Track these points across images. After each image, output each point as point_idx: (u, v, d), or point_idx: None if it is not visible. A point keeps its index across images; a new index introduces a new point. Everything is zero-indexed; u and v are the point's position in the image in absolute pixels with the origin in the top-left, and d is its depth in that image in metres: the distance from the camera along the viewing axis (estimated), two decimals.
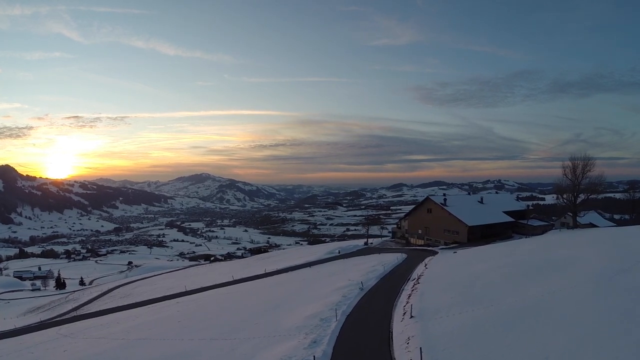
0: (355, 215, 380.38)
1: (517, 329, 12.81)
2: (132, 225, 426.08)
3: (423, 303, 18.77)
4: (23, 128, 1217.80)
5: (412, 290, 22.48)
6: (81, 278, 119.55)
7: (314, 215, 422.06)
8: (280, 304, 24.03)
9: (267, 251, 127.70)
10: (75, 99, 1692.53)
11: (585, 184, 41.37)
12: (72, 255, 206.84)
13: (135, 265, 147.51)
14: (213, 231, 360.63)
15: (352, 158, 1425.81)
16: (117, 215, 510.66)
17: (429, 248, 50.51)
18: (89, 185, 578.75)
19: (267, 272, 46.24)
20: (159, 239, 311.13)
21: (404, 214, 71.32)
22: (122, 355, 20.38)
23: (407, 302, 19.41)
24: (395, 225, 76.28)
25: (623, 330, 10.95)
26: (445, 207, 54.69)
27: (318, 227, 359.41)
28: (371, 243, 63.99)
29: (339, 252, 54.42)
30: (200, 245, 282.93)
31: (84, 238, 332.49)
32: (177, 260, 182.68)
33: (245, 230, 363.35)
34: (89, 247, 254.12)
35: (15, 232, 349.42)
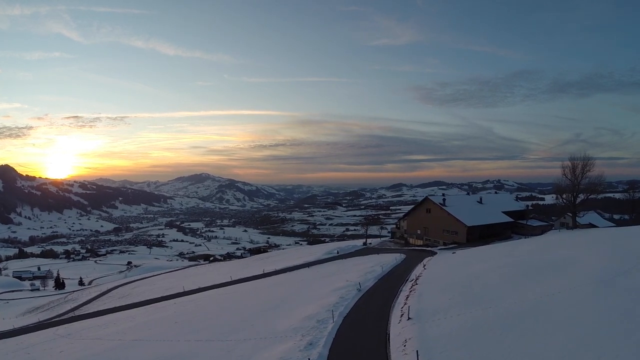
0: (354, 216, 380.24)
1: (516, 330, 12.68)
2: (131, 225, 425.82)
3: (421, 304, 18.61)
4: (23, 128, 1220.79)
5: (410, 292, 22.34)
6: (80, 278, 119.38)
7: (313, 215, 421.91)
8: (277, 305, 23.89)
9: (267, 251, 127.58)
10: (75, 99, 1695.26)
11: (584, 184, 41.30)
12: (72, 256, 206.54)
13: (135, 266, 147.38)
14: (212, 231, 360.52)
15: (352, 158, 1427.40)
16: (116, 215, 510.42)
17: (427, 248, 50.36)
18: (88, 185, 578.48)
19: (265, 272, 46.09)
20: (159, 239, 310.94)
21: (403, 214, 71.13)
22: (117, 356, 20.24)
23: (405, 304, 19.27)
24: (394, 226, 76.13)
25: (623, 331, 10.83)
26: (444, 207, 54.55)
27: (318, 227, 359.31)
28: (370, 243, 63.83)
29: (338, 253, 54.27)
30: (200, 245, 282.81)
31: (83, 238, 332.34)
32: (177, 260, 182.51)
33: (245, 231, 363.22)
34: (89, 247, 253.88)
35: (14, 232, 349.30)
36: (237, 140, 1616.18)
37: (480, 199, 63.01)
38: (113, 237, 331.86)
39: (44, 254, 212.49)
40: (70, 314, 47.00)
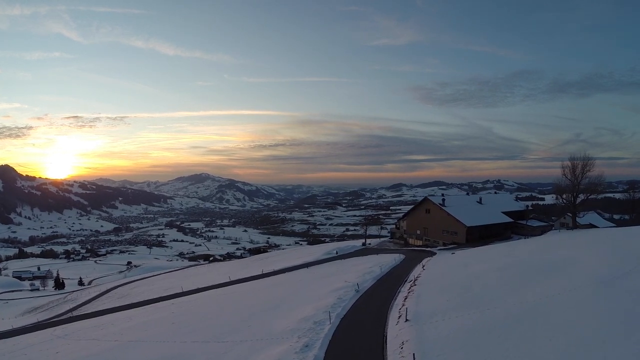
0: (354, 216, 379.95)
1: (515, 333, 12.53)
2: (131, 225, 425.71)
3: (419, 306, 18.46)
4: (22, 128, 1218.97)
5: (409, 293, 22.18)
6: (80, 278, 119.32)
7: (313, 216, 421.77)
8: (274, 306, 23.75)
9: (267, 251, 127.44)
10: (74, 99, 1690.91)
11: (584, 184, 41.18)
12: (72, 256, 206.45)
13: (135, 266, 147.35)
14: (212, 231, 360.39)
15: (352, 158, 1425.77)
16: (116, 215, 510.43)
17: (427, 249, 50.21)
18: (88, 185, 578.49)
19: (264, 272, 45.93)
20: (159, 239, 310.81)
21: (403, 214, 70.98)
22: (114, 357, 20.15)
23: (403, 305, 19.11)
24: (394, 226, 75.99)
25: (624, 334, 10.68)
26: (443, 208, 54.40)
27: (317, 227, 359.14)
28: (369, 244, 63.64)
29: (337, 253, 54.10)
30: (200, 245, 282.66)
31: (83, 238, 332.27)
32: (177, 260, 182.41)
33: (245, 231, 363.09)
34: (89, 247, 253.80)
35: (14, 232, 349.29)
36: (237, 140, 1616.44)
37: (480, 199, 62.85)
38: (113, 237, 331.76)
39: (44, 254, 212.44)
40: (69, 315, 46.87)
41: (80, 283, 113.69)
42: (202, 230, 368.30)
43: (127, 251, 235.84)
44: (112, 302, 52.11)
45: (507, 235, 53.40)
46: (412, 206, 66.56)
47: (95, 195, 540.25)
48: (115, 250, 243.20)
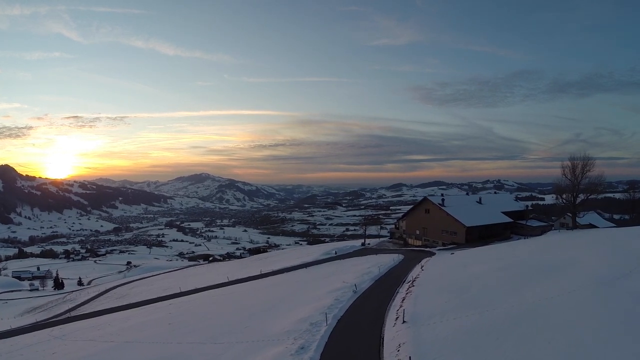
0: (354, 215, 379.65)
1: (514, 334, 12.36)
2: (131, 225, 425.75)
3: (417, 307, 18.29)
4: (22, 128, 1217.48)
5: (407, 294, 22.02)
6: (79, 278, 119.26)
7: (313, 215, 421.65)
8: (272, 307, 23.60)
9: (266, 251, 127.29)
10: (74, 99, 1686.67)
11: (584, 184, 41.07)
12: (71, 255, 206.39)
13: (134, 265, 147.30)
14: (212, 231, 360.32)
15: (352, 158, 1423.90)
16: (116, 215, 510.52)
17: (426, 249, 50.04)
18: (88, 185, 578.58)
19: (262, 273, 45.77)
20: (159, 239, 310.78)
21: (402, 214, 70.85)
22: (109, 358, 20.02)
23: (401, 306, 18.94)
24: (393, 226, 75.84)
25: (624, 335, 10.53)
26: (443, 208, 54.24)
27: (317, 227, 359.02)
28: (368, 244, 63.47)
29: (336, 253, 53.93)
30: (200, 245, 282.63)
31: (83, 238, 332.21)
32: (177, 260, 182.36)
33: (245, 230, 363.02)
34: (88, 247, 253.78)
35: (14, 232, 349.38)
36: (237, 140, 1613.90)
37: (480, 199, 62.69)
38: (113, 237, 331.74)
39: (44, 254, 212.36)
40: (66, 315, 46.76)
41: (80, 283, 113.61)
42: (202, 230, 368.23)
43: (126, 251, 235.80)
44: (110, 302, 52.00)
45: (507, 235, 53.24)
46: (412, 206, 66.41)
47: (95, 195, 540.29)
48: (115, 250, 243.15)
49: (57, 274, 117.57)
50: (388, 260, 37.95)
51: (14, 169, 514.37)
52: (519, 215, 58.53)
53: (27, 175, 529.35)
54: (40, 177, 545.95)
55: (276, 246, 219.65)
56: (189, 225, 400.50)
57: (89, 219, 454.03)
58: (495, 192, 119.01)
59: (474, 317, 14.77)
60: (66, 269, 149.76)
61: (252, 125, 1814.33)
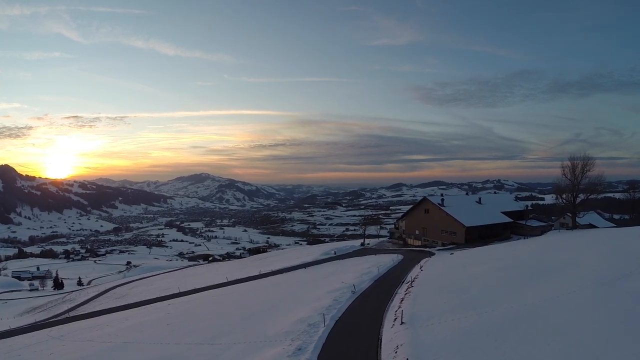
0: (354, 215, 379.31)
1: (513, 336, 12.26)
2: (131, 225, 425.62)
3: (415, 308, 18.19)
4: (22, 128, 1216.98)
5: (406, 294, 21.92)
6: (79, 278, 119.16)
7: (313, 215, 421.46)
8: (270, 307, 23.52)
9: (266, 251, 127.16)
10: (74, 99, 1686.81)
11: (584, 184, 40.99)
12: (71, 255, 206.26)
13: (134, 265, 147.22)
14: (212, 231, 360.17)
15: (352, 158, 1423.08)
16: (116, 215, 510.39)
17: (426, 249, 49.95)
18: (88, 185, 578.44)
19: (261, 273, 45.69)
20: (158, 239, 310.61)
21: (402, 214, 70.78)
22: (106, 359, 19.95)
23: (399, 307, 18.84)
24: (393, 226, 75.74)
25: (624, 336, 10.44)
26: (442, 208, 54.15)
27: (317, 227, 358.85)
28: (368, 244, 63.40)
29: (335, 253, 53.84)
30: (200, 245, 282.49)
31: (83, 238, 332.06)
32: (176, 260, 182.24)
33: (245, 230, 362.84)
34: (88, 247, 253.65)
35: (14, 232, 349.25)
36: (237, 140, 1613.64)
37: (479, 199, 62.59)
38: (113, 237, 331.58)
39: (44, 254, 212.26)
40: (64, 315, 46.70)
41: (79, 283, 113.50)
42: (202, 230, 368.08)
43: (126, 251, 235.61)
44: (110, 302, 51.92)
45: (507, 235, 53.14)
46: (412, 206, 66.34)
47: (95, 195, 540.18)
48: (115, 250, 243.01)
49: (57, 274, 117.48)
50: (387, 261, 37.86)
51: (14, 169, 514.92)
52: (518, 215, 58.42)
53: (27, 175, 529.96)
54: (40, 177, 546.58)
55: (276, 246, 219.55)
56: (188, 225, 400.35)
57: (88, 219, 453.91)
58: (495, 192, 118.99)
59: (472, 318, 14.67)
60: (66, 269, 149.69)
61: (252, 125, 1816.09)
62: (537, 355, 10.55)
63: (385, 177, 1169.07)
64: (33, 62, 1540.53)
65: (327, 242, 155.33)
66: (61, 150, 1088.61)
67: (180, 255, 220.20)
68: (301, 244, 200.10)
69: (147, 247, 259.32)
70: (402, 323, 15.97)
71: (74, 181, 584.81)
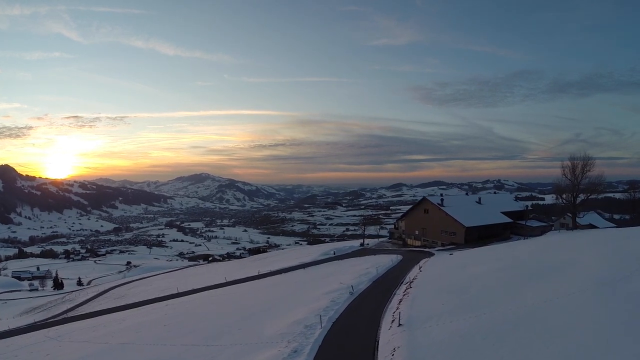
0: (354, 215, 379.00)
1: (511, 338, 12.09)
2: (131, 225, 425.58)
3: (413, 310, 18.02)
4: (22, 128, 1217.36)
5: (404, 295, 21.74)
6: (79, 278, 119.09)
7: (313, 215, 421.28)
8: (267, 308, 23.36)
9: (266, 251, 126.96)
10: (74, 99, 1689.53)
11: (584, 184, 40.81)
12: (71, 256, 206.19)
13: (134, 266, 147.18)
14: (212, 231, 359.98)
15: (352, 158, 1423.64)
16: (116, 215, 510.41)
17: (425, 249, 49.79)
18: (88, 185, 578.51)
19: (260, 273, 45.53)
20: (159, 239, 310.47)
21: (402, 214, 70.60)
22: None
23: (397, 309, 18.66)
24: (392, 226, 75.54)
25: (624, 338, 10.28)
26: (442, 208, 53.98)
27: (317, 227, 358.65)
28: (367, 244, 63.24)
29: (334, 254, 53.68)
30: (200, 245, 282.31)
31: (83, 238, 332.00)
32: (177, 260, 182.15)
33: (245, 230, 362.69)
34: (88, 247, 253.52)
35: (14, 232, 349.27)
36: (237, 140, 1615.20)
37: (479, 199, 62.41)
38: (113, 237, 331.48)
39: (44, 254, 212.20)
40: (63, 316, 46.58)
41: (79, 283, 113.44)
42: (202, 230, 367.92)
43: (127, 251, 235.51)
44: (109, 302, 51.79)
45: (507, 235, 52.98)
46: (411, 206, 66.17)
47: (95, 195, 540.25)
48: (115, 250, 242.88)
49: (57, 274, 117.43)
50: (386, 261, 37.70)
51: (14, 169, 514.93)
52: (518, 216, 58.23)
53: (27, 175, 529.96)
54: (40, 177, 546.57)
55: (276, 246, 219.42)
56: (189, 225, 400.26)
57: (89, 219, 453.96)
58: (495, 192, 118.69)
59: (471, 320, 14.50)
60: (66, 269, 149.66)
61: (252, 125, 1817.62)
62: (536, 357, 10.39)
63: (385, 177, 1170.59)
64: (33, 62, 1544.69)
65: (327, 242, 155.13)
66: (61, 150, 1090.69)
67: (181, 255, 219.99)
68: (301, 244, 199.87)
69: (147, 247, 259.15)
70: (399, 325, 15.80)
71: (74, 181, 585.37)
